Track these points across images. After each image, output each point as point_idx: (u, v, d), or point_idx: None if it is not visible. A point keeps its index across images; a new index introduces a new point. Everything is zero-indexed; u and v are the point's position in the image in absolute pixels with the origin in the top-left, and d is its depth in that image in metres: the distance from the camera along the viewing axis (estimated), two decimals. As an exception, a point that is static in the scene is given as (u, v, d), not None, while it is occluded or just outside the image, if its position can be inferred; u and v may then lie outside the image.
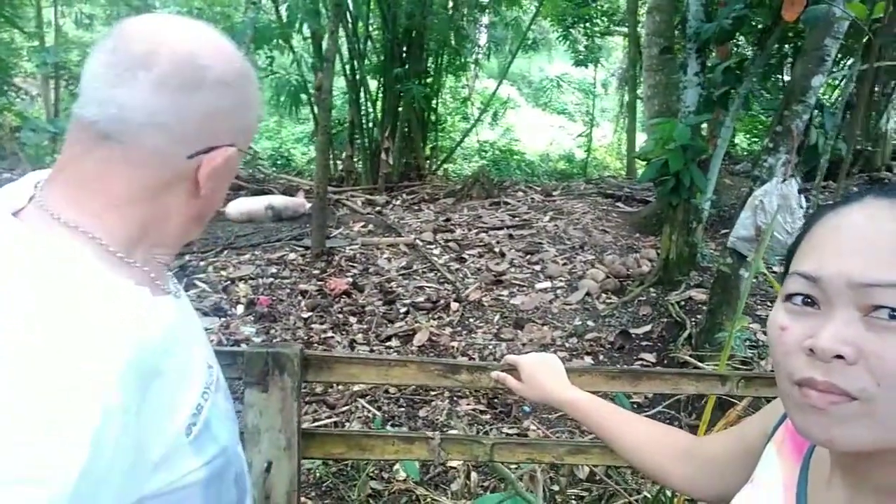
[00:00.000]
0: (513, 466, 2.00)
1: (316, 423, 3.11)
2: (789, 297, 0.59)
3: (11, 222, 0.67)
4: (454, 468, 2.84)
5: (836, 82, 6.92)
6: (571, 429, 3.16)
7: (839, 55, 3.86)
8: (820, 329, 0.55)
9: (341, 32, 6.89)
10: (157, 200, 0.73)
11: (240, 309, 4.55)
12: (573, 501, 2.32)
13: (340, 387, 3.59)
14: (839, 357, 0.54)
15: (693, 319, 4.27)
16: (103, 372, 0.59)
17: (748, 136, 10.61)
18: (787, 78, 7.56)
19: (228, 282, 4.96)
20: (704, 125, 5.14)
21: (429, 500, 2.62)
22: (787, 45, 6.49)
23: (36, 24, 9.32)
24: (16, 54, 9.60)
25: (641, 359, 3.98)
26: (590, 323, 4.52)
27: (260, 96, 0.80)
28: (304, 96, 7.81)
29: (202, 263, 5.31)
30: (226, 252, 5.66)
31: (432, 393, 3.61)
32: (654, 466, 0.92)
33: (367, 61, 8.43)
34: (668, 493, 1.71)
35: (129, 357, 0.62)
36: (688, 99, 4.51)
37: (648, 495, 1.95)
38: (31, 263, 0.64)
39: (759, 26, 5.02)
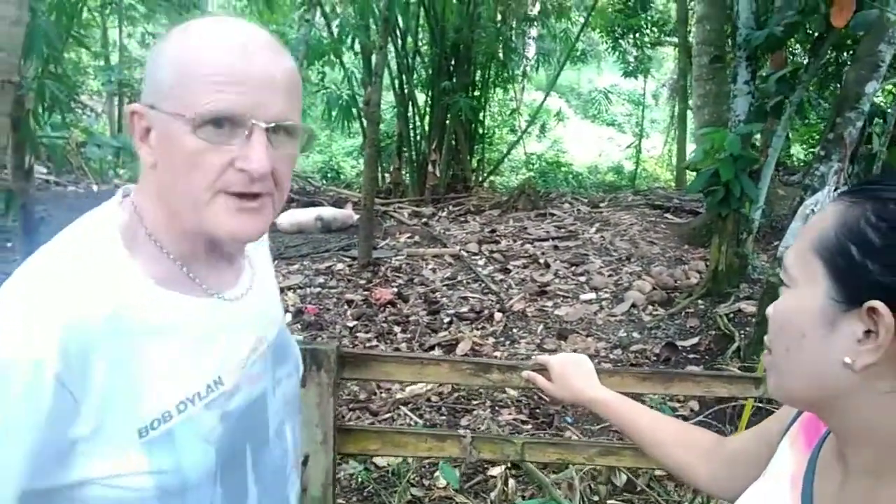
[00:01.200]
0: (551, 475, 2.00)
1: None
2: None
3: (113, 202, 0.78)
4: (493, 477, 2.85)
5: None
6: (612, 438, 3.13)
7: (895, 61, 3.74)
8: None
9: (390, 47, 7.03)
10: (147, 178, 0.77)
11: (288, 317, 4.67)
12: (613, 512, 2.30)
13: (384, 395, 3.64)
14: None
15: (742, 332, 4.17)
16: (36, 325, 0.64)
17: (804, 146, 10.29)
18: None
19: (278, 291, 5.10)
20: (758, 135, 5.03)
21: (468, 507, 2.64)
22: (844, 53, 6.31)
23: (102, 43, 9.83)
24: (82, 73, 10.12)
25: (688, 372, 3.91)
26: (635, 335, 4.46)
27: (188, 57, 0.72)
28: (354, 111, 8.00)
29: (253, 272, 5.48)
30: (276, 262, 5.82)
31: (474, 402, 3.63)
32: (679, 463, 0.94)
33: (415, 75, 8.57)
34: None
35: (67, 324, 0.65)
36: (738, 108, 4.43)
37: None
38: (72, 230, 0.74)
39: (813, 34, 4.90)
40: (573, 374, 1.11)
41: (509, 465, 2.87)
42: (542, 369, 1.15)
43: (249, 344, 0.82)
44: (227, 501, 0.78)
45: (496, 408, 3.54)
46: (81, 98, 9.64)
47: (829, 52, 4.58)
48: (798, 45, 7.35)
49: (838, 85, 7.04)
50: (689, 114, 10.07)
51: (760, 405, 2.66)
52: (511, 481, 2.37)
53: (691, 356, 4.11)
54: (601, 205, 8.14)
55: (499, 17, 9.04)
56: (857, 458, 0.63)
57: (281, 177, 0.76)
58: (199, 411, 0.74)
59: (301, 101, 0.80)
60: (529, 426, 3.37)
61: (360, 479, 2.83)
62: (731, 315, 4.47)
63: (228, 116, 0.71)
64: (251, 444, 0.81)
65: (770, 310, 0.67)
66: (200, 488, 0.74)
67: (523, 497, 2.33)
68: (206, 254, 0.81)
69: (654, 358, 4.12)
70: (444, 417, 3.46)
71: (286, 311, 4.78)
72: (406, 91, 8.31)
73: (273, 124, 0.73)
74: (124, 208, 0.78)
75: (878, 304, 0.56)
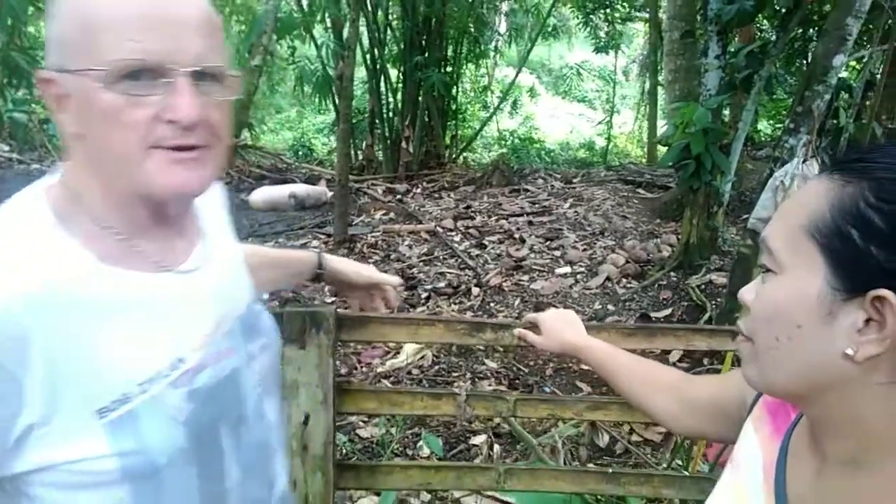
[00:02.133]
0: (535, 439, 2.06)
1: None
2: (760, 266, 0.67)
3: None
4: (476, 445, 2.91)
5: (860, 64, 6.84)
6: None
7: (862, 36, 3.83)
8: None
9: (362, 21, 6.94)
10: (75, 150, 0.72)
11: (264, 294, 4.64)
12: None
13: (365, 369, 3.67)
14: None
15: (713, 302, 4.28)
16: None
17: (771, 121, 10.49)
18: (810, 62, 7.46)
19: (254, 268, 5.06)
20: (726, 111, 5.12)
21: (452, 474, 2.68)
22: (811, 29, 6.42)
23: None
24: (42, 47, 9.77)
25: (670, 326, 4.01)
26: (610, 307, 4.55)
27: (90, 5, 0.66)
28: (321, 90, 7.90)
29: (228, 250, 5.43)
30: (250, 240, 5.77)
31: (454, 374, 3.69)
32: (641, 398, 0.98)
33: (387, 50, 8.48)
34: (683, 462, 1.76)
35: None
36: (709, 82, 4.50)
37: (667, 466, 2.00)
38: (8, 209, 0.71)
39: (782, 9, 4.98)
40: (562, 327, 1.15)
41: (492, 432, 2.94)
42: (534, 326, 1.18)
43: (212, 319, 0.78)
44: (204, 482, 0.75)
45: (476, 379, 3.60)
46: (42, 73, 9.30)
47: (797, 26, 4.66)
48: (766, 21, 7.46)
49: (805, 60, 7.18)
50: (660, 89, 10.17)
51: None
52: (496, 446, 2.43)
53: (664, 327, 4.21)
54: (574, 180, 8.21)
55: (470, -9, 8.98)
56: (837, 449, 0.61)
57: (217, 126, 0.72)
58: (163, 390, 0.71)
59: (223, 42, 0.74)
60: (509, 396, 3.43)
61: (344, 451, 2.87)
62: (703, 286, 4.59)
63: (145, 66, 0.65)
64: (227, 422, 0.78)
65: (748, 296, 0.63)
66: (173, 469, 0.71)
67: (505, 462, 2.39)
68: (153, 226, 0.75)
69: (629, 328, 4.21)
70: (424, 389, 3.51)
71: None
72: (378, 66, 8.23)
73: (197, 69, 0.68)
74: (57, 186, 0.73)
75: (886, 292, 0.52)
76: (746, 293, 0.63)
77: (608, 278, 4.99)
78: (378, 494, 2.19)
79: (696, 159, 4.34)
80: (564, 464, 2.11)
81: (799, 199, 0.60)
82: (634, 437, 2.83)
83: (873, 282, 0.53)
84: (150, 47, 0.65)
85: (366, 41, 7.97)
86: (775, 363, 0.60)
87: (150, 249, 0.74)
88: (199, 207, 0.86)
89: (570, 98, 18.08)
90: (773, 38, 4.52)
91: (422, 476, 1.17)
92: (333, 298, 4.61)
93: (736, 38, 5.68)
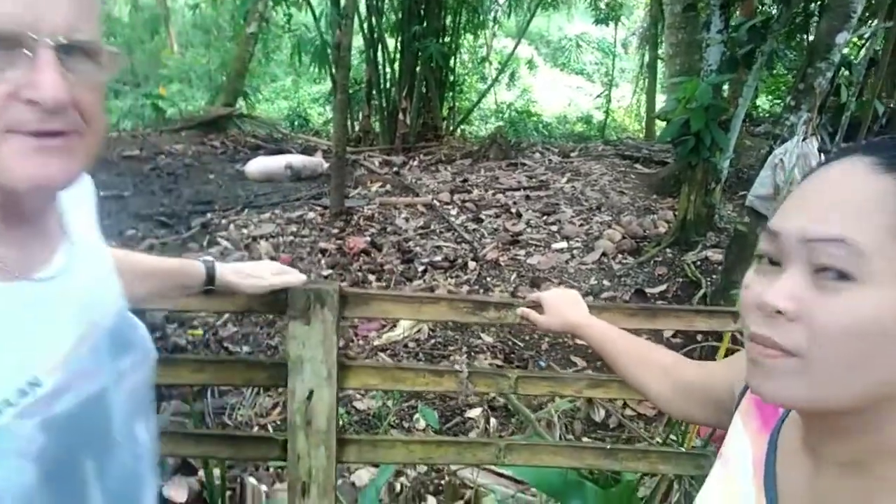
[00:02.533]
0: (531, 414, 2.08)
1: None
2: (760, 258, 0.59)
3: None
4: (472, 418, 2.94)
5: (862, 41, 6.78)
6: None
7: (865, 12, 3.79)
8: (769, 287, 0.55)
9: (359, -11, 6.83)
10: None
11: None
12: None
13: (361, 342, 3.69)
14: (780, 313, 0.54)
15: (709, 279, 4.31)
16: None
17: (770, 97, 10.43)
18: (811, 38, 7.40)
19: (250, 239, 5.06)
20: (726, 85, 5.08)
21: (448, 446, 2.72)
22: (812, 4, 6.35)
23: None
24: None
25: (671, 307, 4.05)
26: (605, 283, 4.57)
27: None
28: (319, 58, 7.79)
29: (224, 221, 5.41)
30: (246, 210, 5.75)
31: (450, 348, 3.71)
32: (638, 379, 0.99)
33: (384, 19, 8.36)
34: (678, 436, 1.79)
35: None
36: (710, 57, 4.46)
37: (661, 441, 2.03)
38: None
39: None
40: (564, 305, 1.16)
41: (488, 406, 2.97)
42: (537, 305, 1.19)
43: (75, 333, 0.67)
44: None
45: (472, 353, 3.63)
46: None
47: (800, 1, 4.61)
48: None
49: (806, 35, 7.12)
50: (660, 63, 10.08)
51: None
52: (493, 420, 2.45)
53: (659, 303, 4.24)
54: (572, 155, 8.19)
55: (470, -41, 8.83)
56: (841, 451, 0.58)
57: (88, 109, 0.61)
58: (9, 421, 0.59)
59: (98, 13, 0.63)
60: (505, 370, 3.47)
61: (341, 423, 2.90)
62: (699, 263, 4.61)
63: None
64: (91, 451, 0.68)
65: (788, 303, 0.53)
66: None
67: (502, 436, 2.42)
68: (5, 225, 0.64)
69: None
70: (421, 363, 3.54)
71: (259, 259, 4.75)
72: (375, 35, 8.12)
73: (63, 41, 0.57)
74: None
75: None
76: (781, 300, 0.53)
77: (604, 254, 5.01)
78: (376, 466, 2.22)
79: (696, 135, 4.33)
80: (560, 438, 2.13)
81: (865, 195, 0.52)
82: (628, 412, 2.87)
83: None
84: (7, 14, 0.55)
85: (363, 9, 7.84)
86: (843, 382, 0.52)
87: (1, 254, 0.63)
88: (63, 204, 0.74)
89: (569, 70, 17.90)
90: (775, 12, 4.47)
91: (423, 451, 1.19)
92: (329, 272, 4.61)
93: (737, 13, 5.60)
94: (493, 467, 1.88)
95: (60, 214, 0.73)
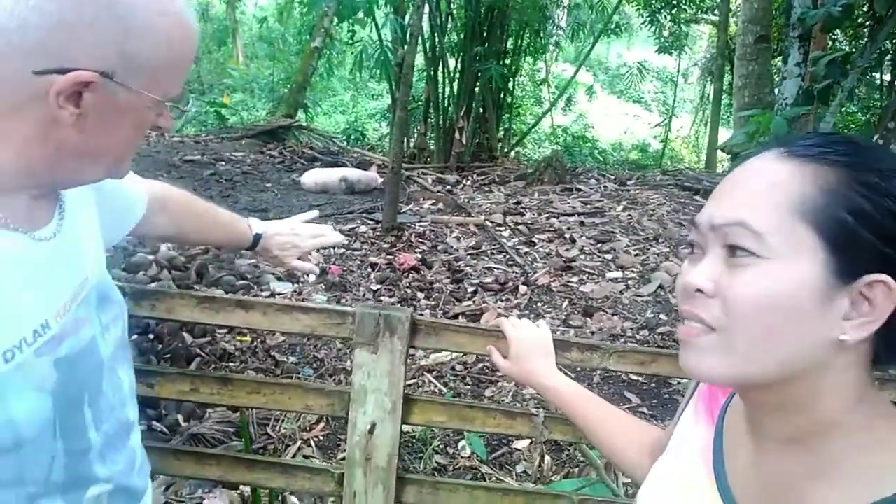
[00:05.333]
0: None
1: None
2: (690, 247, 0.63)
3: None
4: (518, 450, 2.82)
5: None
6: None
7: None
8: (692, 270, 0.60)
9: (425, 8, 6.86)
10: (5, 122, 0.67)
11: (311, 277, 4.63)
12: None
13: (408, 361, 3.62)
14: (700, 292, 0.58)
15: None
16: None
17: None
18: (885, 77, 7.10)
19: (302, 249, 5.06)
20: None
21: (493, 479, 2.61)
22: (891, 42, 6.09)
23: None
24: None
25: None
26: (662, 316, 4.39)
27: (170, 31, 0.69)
28: (382, 71, 7.86)
29: (277, 230, 5.44)
30: (299, 220, 5.78)
31: (498, 374, 3.60)
32: (621, 458, 0.94)
33: (447, 39, 8.38)
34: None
35: None
36: (786, 90, 4.28)
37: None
38: None
39: (866, 19, 4.71)
40: (532, 355, 1.05)
41: (544, 441, 2.85)
42: (500, 334, 1.07)
43: (73, 285, 0.77)
44: (69, 457, 0.74)
45: (520, 383, 3.51)
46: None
47: (886, 37, 4.40)
48: (838, 31, 7.11)
49: (880, 74, 6.83)
50: (723, 94, 9.83)
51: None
52: (547, 457, 2.34)
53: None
54: (628, 182, 8.01)
55: (535, -17, 8.81)
56: (779, 428, 0.61)
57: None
58: (28, 358, 0.68)
59: None
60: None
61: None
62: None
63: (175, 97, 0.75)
64: (88, 392, 0.77)
65: (704, 282, 0.58)
66: (38, 443, 0.69)
67: (555, 476, 2.30)
68: (17, 189, 0.71)
69: (682, 341, 4.06)
70: (468, 387, 3.44)
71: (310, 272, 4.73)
72: (437, 54, 8.14)
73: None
74: None
75: (884, 277, 0.53)
76: (700, 279, 0.58)
77: (661, 286, 4.82)
78: None
79: (767, 170, 4.14)
80: (617, 485, 2.00)
81: (767, 179, 0.57)
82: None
83: (868, 266, 0.54)
84: (181, 81, 0.74)
85: (427, 28, 7.89)
86: (759, 353, 0.56)
87: (10, 211, 0.71)
88: None
89: (626, 98, 17.71)
90: (848, 47, 4.27)
91: (487, 498, 1.09)
92: (378, 286, 4.57)
93: (810, 47, 5.41)
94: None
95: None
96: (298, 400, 1.06)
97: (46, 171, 0.70)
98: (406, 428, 2.94)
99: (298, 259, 1.28)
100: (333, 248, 5.19)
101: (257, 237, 1.22)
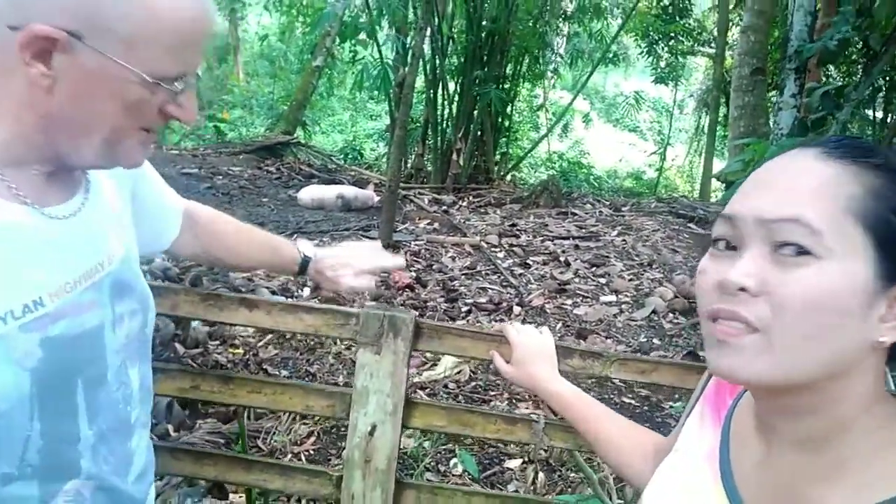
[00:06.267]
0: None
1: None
2: (714, 243, 0.61)
3: None
4: (510, 469, 2.80)
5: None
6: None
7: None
8: (730, 267, 0.57)
9: (427, 30, 6.96)
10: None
11: (306, 291, 4.62)
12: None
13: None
14: (743, 290, 0.56)
15: (766, 349, 4.10)
16: None
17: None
18: (878, 114, 7.22)
19: (297, 264, 5.06)
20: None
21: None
22: (884, 78, 6.20)
23: None
24: None
25: (709, 383, 3.85)
26: (656, 341, 4.40)
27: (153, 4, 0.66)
28: (380, 93, 7.93)
29: (273, 244, 5.44)
30: (295, 236, 5.78)
31: (491, 392, 3.58)
32: (622, 463, 0.93)
33: (447, 61, 8.48)
34: None
35: None
36: (781, 121, 4.35)
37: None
38: None
39: (860, 55, 4.80)
40: (534, 361, 1.06)
41: (528, 458, 2.83)
42: (503, 339, 1.08)
43: (80, 268, 0.75)
44: (50, 442, 0.71)
45: (513, 400, 3.49)
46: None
47: (880, 73, 4.49)
48: (832, 66, 7.25)
49: (872, 109, 6.94)
50: (717, 126, 9.96)
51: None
52: (541, 474, 2.32)
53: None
54: (623, 209, 8.07)
55: (536, 11, 8.95)
56: (794, 429, 0.60)
57: None
58: (11, 331, 0.66)
59: None
60: (543, 423, 3.32)
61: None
62: (755, 330, 4.41)
63: (179, 75, 0.70)
64: (83, 380, 0.74)
65: (747, 280, 0.55)
66: (10, 418, 0.67)
67: (549, 495, 2.28)
68: (35, 163, 0.72)
69: (675, 366, 4.06)
70: (460, 405, 3.42)
71: (304, 284, 4.73)
72: (437, 76, 8.23)
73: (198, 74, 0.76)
74: None
75: None
76: (744, 277, 0.55)
77: (654, 311, 4.84)
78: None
79: (761, 199, 4.19)
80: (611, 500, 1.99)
81: (817, 178, 0.56)
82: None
83: None
84: (189, 61, 0.71)
85: (428, 50, 7.98)
86: (804, 355, 0.55)
87: (23, 184, 0.70)
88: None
89: (622, 127, 17.90)
90: (842, 82, 4.35)
91: (485, 505, 1.09)
92: (373, 304, 4.56)
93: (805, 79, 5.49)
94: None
95: (87, 171, 0.80)
96: (299, 400, 1.06)
97: (44, 143, 0.69)
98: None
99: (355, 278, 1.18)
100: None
101: (306, 260, 1.15)
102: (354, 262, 1.13)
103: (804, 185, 0.56)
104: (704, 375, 0.79)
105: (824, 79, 7.61)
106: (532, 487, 2.29)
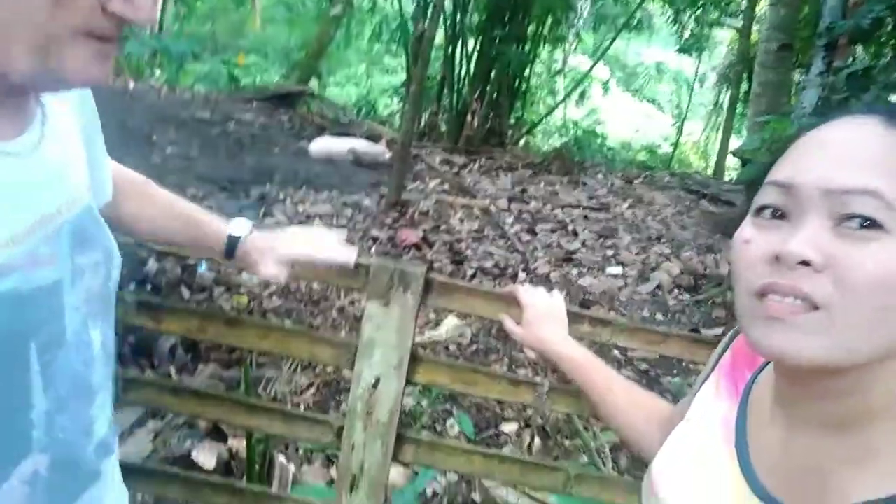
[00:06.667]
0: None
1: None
2: (759, 211, 0.57)
3: None
4: (506, 433, 2.83)
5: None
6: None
7: None
8: (788, 237, 0.53)
9: (448, -15, 6.80)
10: None
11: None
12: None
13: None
14: (805, 264, 0.52)
15: (770, 329, 4.10)
16: None
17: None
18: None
19: (305, 217, 5.05)
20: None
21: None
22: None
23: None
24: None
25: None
26: (658, 316, 4.40)
27: None
28: (398, 46, 7.79)
29: (282, 195, 5.42)
30: (304, 188, 5.75)
31: (492, 356, 3.61)
32: (629, 428, 0.91)
33: (468, 17, 8.30)
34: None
35: None
36: (806, 99, 4.25)
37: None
38: None
39: (890, 37, 4.66)
40: (544, 322, 1.04)
41: (524, 423, 2.86)
42: (515, 305, 1.07)
43: (33, 215, 0.65)
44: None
45: (513, 366, 3.51)
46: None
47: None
48: (860, 47, 7.06)
49: (893, 95, 6.77)
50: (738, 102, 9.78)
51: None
52: (537, 439, 2.34)
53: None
54: (635, 181, 8.00)
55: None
56: (826, 411, 0.57)
57: None
58: None
59: None
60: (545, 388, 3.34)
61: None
62: (760, 310, 4.40)
63: None
64: (37, 341, 0.65)
65: (813, 253, 0.51)
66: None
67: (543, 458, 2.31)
68: None
69: (676, 341, 4.07)
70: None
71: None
72: (457, 32, 8.07)
73: None
74: None
75: None
76: (809, 250, 0.51)
77: (660, 286, 4.83)
78: (405, 466, 2.13)
79: (778, 178, 4.12)
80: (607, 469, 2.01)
81: (890, 147, 0.52)
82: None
83: None
84: None
85: (449, 5, 7.81)
86: (867, 336, 0.51)
87: None
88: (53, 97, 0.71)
89: (640, 97, 17.60)
90: (867, 63, 4.23)
91: (484, 463, 1.09)
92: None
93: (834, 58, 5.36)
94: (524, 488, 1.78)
95: (42, 102, 0.68)
96: (305, 348, 1.05)
97: None
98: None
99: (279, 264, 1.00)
100: (336, 217, 5.17)
101: (234, 240, 0.98)
102: (282, 247, 0.99)
103: (875, 155, 0.52)
104: (720, 345, 0.76)
105: (852, 60, 7.44)
106: (528, 451, 2.31)
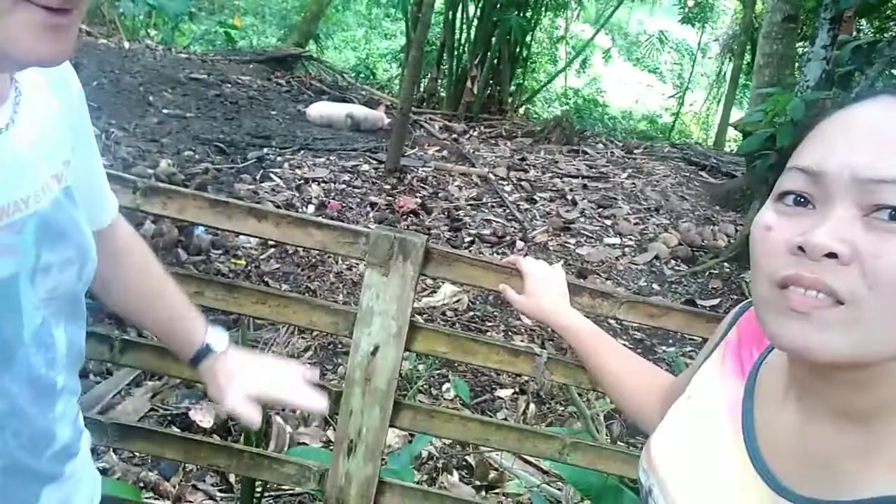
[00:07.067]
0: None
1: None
2: (782, 197, 0.54)
3: None
4: (501, 398, 2.86)
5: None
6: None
7: None
8: (814, 227, 0.50)
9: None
10: None
11: (310, 208, 4.61)
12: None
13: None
14: (831, 256, 0.49)
15: (764, 302, 4.13)
16: None
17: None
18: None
19: (302, 181, 5.02)
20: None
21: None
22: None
23: None
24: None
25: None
26: (655, 286, 4.42)
27: None
28: (397, 10, 7.65)
29: (279, 159, 5.38)
30: (302, 152, 5.71)
31: (488, 323, 3.63)
32: (628, 398, 0.91)
33: (469, -18, 8.15)
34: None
35: None
36: (809, 73, 4.21)
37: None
38: None
39: (893, 11, 4.59)
40: (545, 292, 1.05)
41: (519, 389, 2.89)
42: (516, 274, 1.07)
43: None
44: None
45: (510, 332, 3.54)
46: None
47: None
48: (865, 21, 6.96)
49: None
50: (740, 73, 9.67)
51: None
52: (532, 405, 2.37)
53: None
54: (635, 151, 7.95)
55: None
56: (842, 401, 0.55)
57: None
58: None
59: None
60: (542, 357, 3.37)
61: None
62: (755, 283, 4.43)
63: None
64: None
65: (840, 245, 0.49)
66: None
67: (535, 427, 2.34)
68: None
69: (671, 312, 4.10)
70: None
71: (309, 202, 4.70)
72: (458, -3, 7.93)
73: None
74: None
75: None
76: (836, 242, 0.48)
77: (657, 257, 4.84)
78: (403, 430, 2.16)
79: (779, 151, 4.10)
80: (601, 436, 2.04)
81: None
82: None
83: None
84: None
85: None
86: (890, 332, 0.49)
87: None
88: (28, 75, 0.66)
89: (642, 66, 17.40)
90: (872, 37, 4.19)
91: (481, 430, 1.10)
92: (376, 226, 4.55)
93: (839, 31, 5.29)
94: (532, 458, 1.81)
95: (17, 82, 0.63)
96: (304, 315, 1.06)
97: None
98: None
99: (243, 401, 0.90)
100: (334, 182, 5.14)
101: (205, 350, 0.90)
102: (250, 383, 0.89)
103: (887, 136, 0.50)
104: (725, 322, 0.75)
105: (856, 33, 7.34)
106: (522, 417, 2.34)
